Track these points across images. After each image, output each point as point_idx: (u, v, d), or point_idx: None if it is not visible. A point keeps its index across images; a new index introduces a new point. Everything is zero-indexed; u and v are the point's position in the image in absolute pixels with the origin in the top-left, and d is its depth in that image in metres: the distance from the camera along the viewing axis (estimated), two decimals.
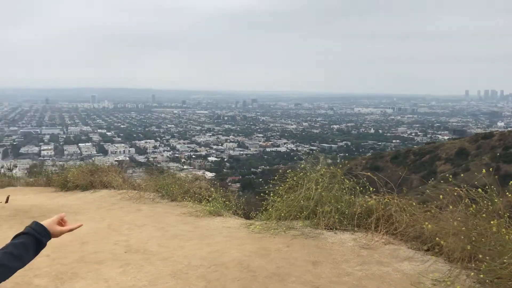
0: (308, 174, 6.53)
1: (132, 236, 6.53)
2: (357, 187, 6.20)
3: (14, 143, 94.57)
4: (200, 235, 6.48)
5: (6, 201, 9.57)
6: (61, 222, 2.07)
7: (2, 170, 18.20)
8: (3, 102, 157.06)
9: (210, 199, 8.14)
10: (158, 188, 9.27)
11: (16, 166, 22.06)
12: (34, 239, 1.89)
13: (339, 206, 6.02)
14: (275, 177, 6.84)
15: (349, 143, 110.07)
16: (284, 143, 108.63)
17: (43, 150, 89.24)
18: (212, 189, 8.80)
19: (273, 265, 4.93)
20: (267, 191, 6.80)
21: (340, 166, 6.60)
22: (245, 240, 6.04)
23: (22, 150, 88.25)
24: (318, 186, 6.21)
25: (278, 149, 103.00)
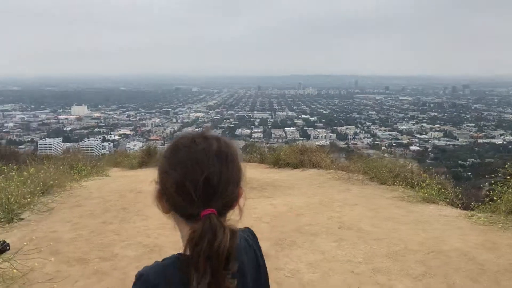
0: None
1: (344, 213, 6.60)
2: None
3: (231, 126, 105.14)
4: (415, 220, 6.18)
5: None
6: None
7: None
8: (223, 89, 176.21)
9: (423, 185, 7.71)
10: (368, 170, 9.17)
11: None
12: None
13: None
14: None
15: None
16: (501, 135, 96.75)
17: (254, 132, 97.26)
18: (425, 175, 8.33)
19: (504, 261, 4.41)
20: (494, 182, 6.11)
21: None
22: (467, 231, 5.54)
23: (237, 132, 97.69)
24: None
25: (493, 140, 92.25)
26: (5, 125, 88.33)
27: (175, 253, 1.13)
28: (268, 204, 7.20)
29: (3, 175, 7.48)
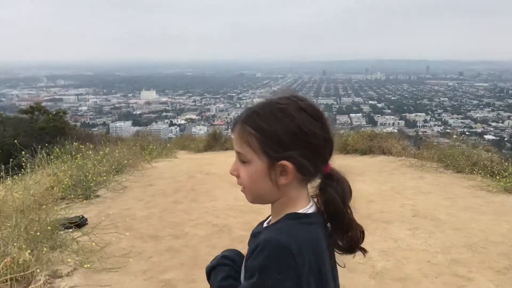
0: None
1: (417, 201, 6.32)
2: None
3: None
4: (496, 211, 5.81)
5: None
6: None
7: None
8: (287, 73, 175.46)
9: (505, 174, 7.22)
10: (443, 158, 8.74)
11: None
12: None
13: None
14: None
15: None
16: None
17: None
18: (507, 163, 7.81)
19: None
20: None
21: None
22: None
23: None
24: None
25: None
26: (79, 108, 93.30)
27: (244, 233, 1.25)
28: None
29: (80, 154, 7.84)
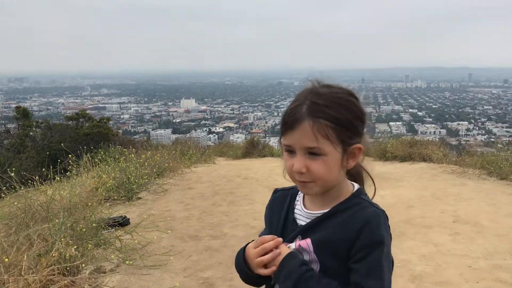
0: None
1: (459, 207, 6.19)
2: None
3: None
4: None
5: None
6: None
7: None
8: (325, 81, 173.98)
9: None
10: (485, 165, 8.50)
11: None
12: None
13: None
14: None
15: None
16: None
17: None
18: None
19: None
20: None
21: None
22: None
23: None
24: None
25: None
26: (122, 116, 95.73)
27: None
28: (376, 195, 6.97)
29: (123, 157, 8.10)
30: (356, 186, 1.33)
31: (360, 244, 1.17)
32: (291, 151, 1.22)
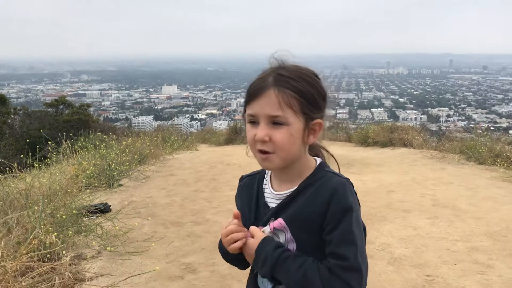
0: None
1: (438, 191, 6.30)
2: None
3: None
4: None
5: None
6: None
7: None
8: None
9: None
10: (464, 150, 8.65)
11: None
12: None
13: None
14: None
15: None
16: None
17: (339, 113, 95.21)
18: None
19: None
20: None
21: None
22: None
23: None
24: None
25: None
26: (102, 103, 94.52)
27: None
28: (357, 180, 7.04)
29: (104, 144, 8.01)
30: (319, 160, 1.35)
31: (330, 215, 1.19)
32: (254, 122, 1.24)
